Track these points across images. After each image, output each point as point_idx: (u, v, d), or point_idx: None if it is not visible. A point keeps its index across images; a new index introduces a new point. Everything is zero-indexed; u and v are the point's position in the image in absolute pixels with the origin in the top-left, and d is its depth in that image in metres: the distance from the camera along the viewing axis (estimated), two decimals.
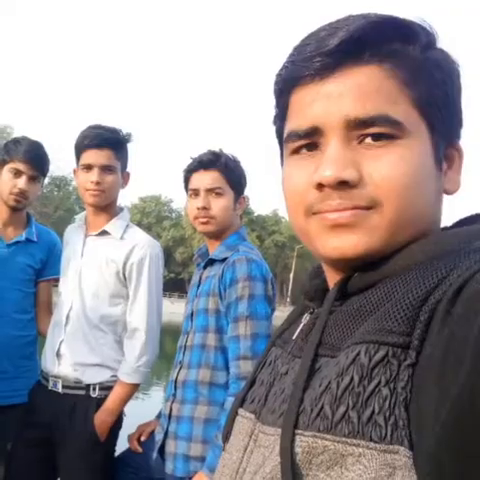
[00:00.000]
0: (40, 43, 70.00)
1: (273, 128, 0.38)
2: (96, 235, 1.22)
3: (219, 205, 1.05)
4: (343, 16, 0.32)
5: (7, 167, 1.25)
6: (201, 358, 0.98)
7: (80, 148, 1.17)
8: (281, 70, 0.35)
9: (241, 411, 0.37)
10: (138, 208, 36.79)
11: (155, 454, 1.03)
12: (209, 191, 1.05)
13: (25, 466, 1.14)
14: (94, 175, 1.15)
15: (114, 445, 1.18)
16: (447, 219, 0.34)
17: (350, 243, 0.32)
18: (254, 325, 0.93)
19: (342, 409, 0.27)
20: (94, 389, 1.12)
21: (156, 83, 73.99)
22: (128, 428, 1.20)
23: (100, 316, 1.17)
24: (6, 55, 67.62)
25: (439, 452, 0.23)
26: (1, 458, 1.19)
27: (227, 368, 0.96)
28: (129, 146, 1.23)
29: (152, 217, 36.77)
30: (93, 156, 1.15)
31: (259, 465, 0.31)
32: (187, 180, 1.10)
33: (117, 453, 1.20)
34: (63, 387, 1.14)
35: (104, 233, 1.21)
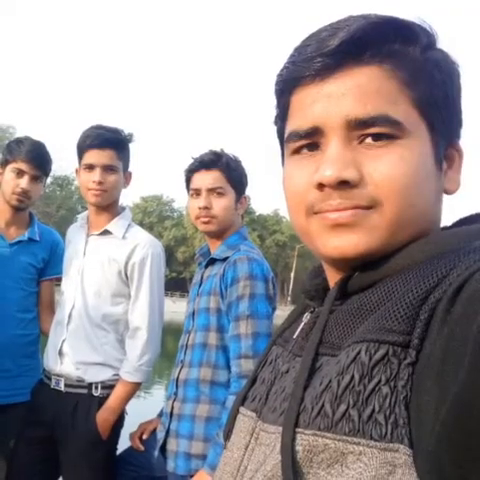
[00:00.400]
0: (41, 43, 70.19)
1: (274, 128, 0.38)
2: (98, 234, 1.22)
3: (220, 205, 1.05)
4: (343, 17, 0.33)
5: (10, 167, 1.26)
6: (202, 357, 0.98)
7: (82, 148, 1.18)
8: (282, 70, 0.35)
9: (242, 409, 0.37)
10: (140, 208, 36.87)
11: (157, 452, 1.03)
12: (210, 191, 1.05)
13: (27, 464, 1.15)
14: (96, 175, 1.16)
15: (116, 443, 1.18)
16: (447, 219, 0.34)
17: (350, 243, 0.32)
18: (255, 324, 0.93)
19: (343, 408, 0.27)
20: (96, 388, 1.13)
21: (158, 83, 74.08)
22: (130, 426, 1.21)
23: (102, 315, 1.17)
24: (8, 55, 67.84)
25: (439, 450, 0.23)
26: (3, 456, 1.20)
27: (228, 367, 0.96)
28: (131, 146, 1.23)
29: (154, 217, 36.84)
30: (95, 156, 1.16)
31: (260, 463, 0.31)
32: (188, 180, 1.10)
33: (119, 451, 1.20)
34: (65, 386, 1.15)
35: (106, 232, 1.22)
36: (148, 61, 75.63)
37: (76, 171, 1.24)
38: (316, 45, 0.32)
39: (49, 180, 1.51)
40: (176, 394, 1.01)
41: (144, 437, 1.16)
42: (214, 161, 1.06)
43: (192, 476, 0.94)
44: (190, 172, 1.09)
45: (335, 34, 0.31)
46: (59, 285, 1.31)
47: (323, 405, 0.28)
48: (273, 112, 0.37)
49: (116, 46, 74.46)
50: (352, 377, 0.27)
